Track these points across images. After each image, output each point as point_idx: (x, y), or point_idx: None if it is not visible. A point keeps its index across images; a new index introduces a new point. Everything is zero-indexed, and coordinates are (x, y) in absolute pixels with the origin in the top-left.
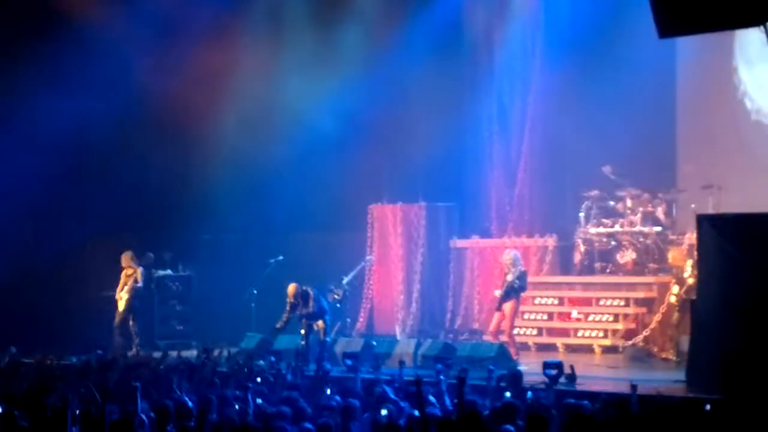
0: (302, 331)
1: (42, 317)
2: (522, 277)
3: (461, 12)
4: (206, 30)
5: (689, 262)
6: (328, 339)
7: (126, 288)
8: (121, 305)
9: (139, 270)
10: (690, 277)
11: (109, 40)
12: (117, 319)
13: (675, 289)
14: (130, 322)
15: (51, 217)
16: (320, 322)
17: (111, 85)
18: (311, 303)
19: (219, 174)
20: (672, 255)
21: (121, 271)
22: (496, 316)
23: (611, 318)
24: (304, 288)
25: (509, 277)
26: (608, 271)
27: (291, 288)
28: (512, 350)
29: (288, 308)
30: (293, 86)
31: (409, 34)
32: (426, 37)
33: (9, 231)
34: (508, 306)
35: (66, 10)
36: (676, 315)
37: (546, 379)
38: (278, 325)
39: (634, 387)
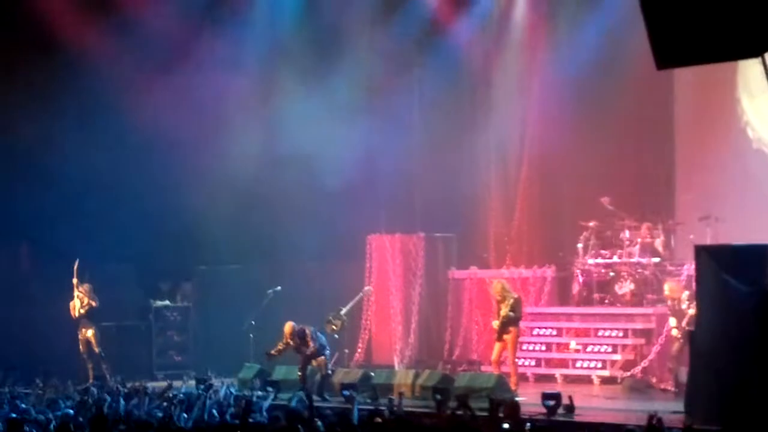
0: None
1: (36, 344)
2: (516, 305)
3: (460, 45)
4: (208, 63)
5: (685, 294)
6: (329, 371)
7: (84, 312)
8: (90, 332)
9: (87, 288)
10: (689, 308)
11: (111, 75)
12: (97, 348)
13: (672, 321)
14: (97, 348)
15: (48, 245)
16: (321, 359)
17: (111, 117)
18: (310, 343)
19: (217, 205)
20: (669, 287)
21: (74, 289)
22: (498, 346)
23: (610, 349)
24: (300, 327)
25: (504, 309)
26: (606, 302)
27: (287, 327)
28: (513, 379)
29: (283, 344)
30: (293, 119)
31: (406, 61)
32: (426, 70)
33: (4, 258)
34: (509, 336)
35: (73, 51)
36: (676, 345)
37: (544, 410)
38: (272, 351)
39: (651, 417)
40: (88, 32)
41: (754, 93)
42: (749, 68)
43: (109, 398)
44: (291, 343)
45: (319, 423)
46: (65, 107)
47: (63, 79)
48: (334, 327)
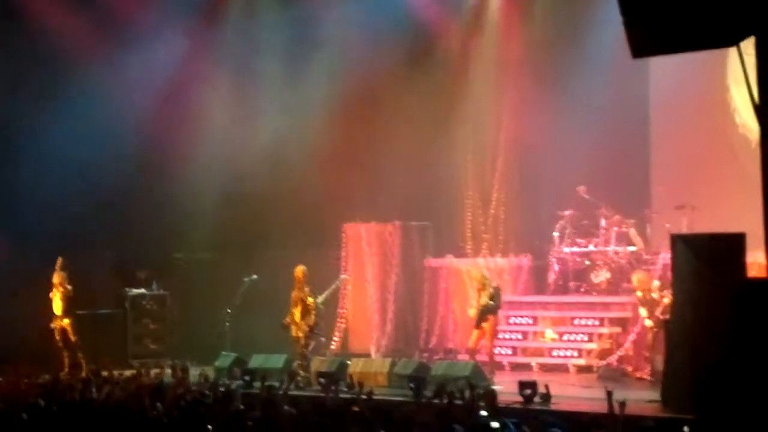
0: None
1: (14, 334)
2: (496, 294)
3: (435, 31)
4: (187, 53)
5: (655, 283)
6: (308, 355)
7: (62, 305)
8: (66, 321)
9: (63, 276)
10: (662, 297)
11: (90, 67)
12: (73, 337)
13: (643, 312)
14: (73, 337)
15: (23, 233)
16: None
17: (90, 107)
18: (306, 291)
19: (193, 193)
20: (637, 278)
21: (53, 288)
22: (475, 333)
23: (585, 338)
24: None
25: (484, 297)
26: (582, 290)
27: (299, 268)
28: (489, 368)
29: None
30: (267, 106)
31: (384, 54)
32: (401, 57)
33: None
34: (487, 324)
35: (60, 45)
36: (650, 335)
37: (521, 399)
38: (285, 322)
39: (622, 405)
40: (81, 33)
41: (740, 80)
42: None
43: (81, 386)
44: (297, 286)
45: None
46: (44, 98)
47: (44, 67)
48: None
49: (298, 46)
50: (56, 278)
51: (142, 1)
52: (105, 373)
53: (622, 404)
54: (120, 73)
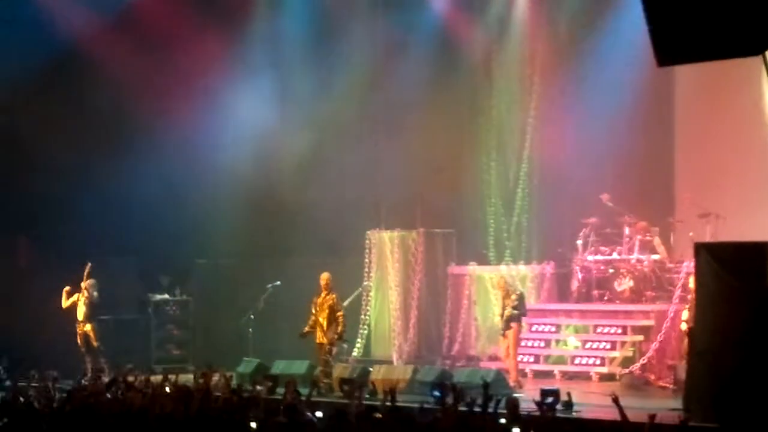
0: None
1: (36, 339)
2: (521, 303)
3: (460, 39)
4: (212, 60)
5: None
6: (330, 360)
7: (85, 311)
8: (88, 326)
9: (91, 283)
10: None
11: (113, 69)
12: (96, 342)
13: (685, 315)
14: (96, 342)
15: (47, 238)
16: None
17: (112, 111)
18: (333, 295)
19: (217, 199)
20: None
21: (77, 293)
22: (503, 342)
23: (608, 346)
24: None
25: (509, 306)
26: (606, 298)
27: (325, 275)
28: (514, 374)
29: (316, 301)
30: (293, 116)
31: (409, 59)
32: (426, 65)
33: (2, 251)
34: (511, 332)
35: (74, 42)
36: (686, 341)
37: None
38: (305, 330)
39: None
40: (90, 24)
41: None
42: None
43: (105, 391)
44: (322, 291)
45: (316, 418)
46: (66, 101)
47: (64, 72)
48: None
49: (326, 56)
50: (83, 284)
51: (178, 12)
52: (131, 379)
53: (652, 417)
54: (145, 82)
